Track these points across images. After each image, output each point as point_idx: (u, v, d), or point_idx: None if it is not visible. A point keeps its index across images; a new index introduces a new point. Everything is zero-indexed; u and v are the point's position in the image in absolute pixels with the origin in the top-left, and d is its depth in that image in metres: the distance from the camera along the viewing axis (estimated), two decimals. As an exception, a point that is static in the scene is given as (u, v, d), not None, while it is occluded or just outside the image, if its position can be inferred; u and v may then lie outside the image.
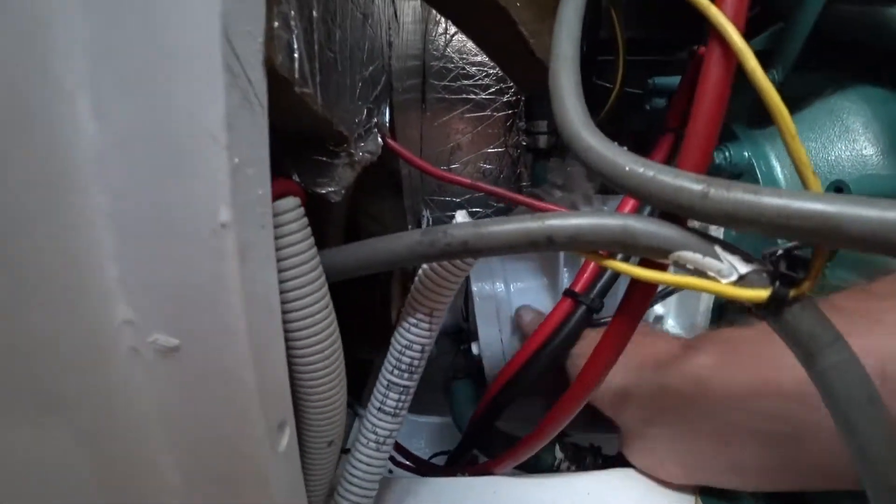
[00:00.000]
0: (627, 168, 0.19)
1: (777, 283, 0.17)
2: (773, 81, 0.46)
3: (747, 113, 0.47)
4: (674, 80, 0.54)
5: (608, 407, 0.36)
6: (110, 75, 0.14)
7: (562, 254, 0.49)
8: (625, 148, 0.21)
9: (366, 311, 0.50)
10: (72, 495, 0.20)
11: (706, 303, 0.43)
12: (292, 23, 0.17)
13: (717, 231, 0.34)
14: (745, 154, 0.47)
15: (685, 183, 0.18)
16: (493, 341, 0.51)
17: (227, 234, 0.15)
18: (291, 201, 0.20)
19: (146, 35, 0.13)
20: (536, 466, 0.40)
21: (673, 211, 0.19)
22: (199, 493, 0.21)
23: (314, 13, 0.19)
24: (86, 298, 0.17)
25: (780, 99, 0.18)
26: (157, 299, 0.17)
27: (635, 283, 0.22)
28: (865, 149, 0.44)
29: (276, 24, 0.16)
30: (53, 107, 0.14)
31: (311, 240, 0.21)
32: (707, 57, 0.21)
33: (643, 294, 0.22)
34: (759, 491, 0.31)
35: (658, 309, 0.48)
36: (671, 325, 0.48)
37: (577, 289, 0.39)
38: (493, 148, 0.72)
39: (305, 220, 0.20)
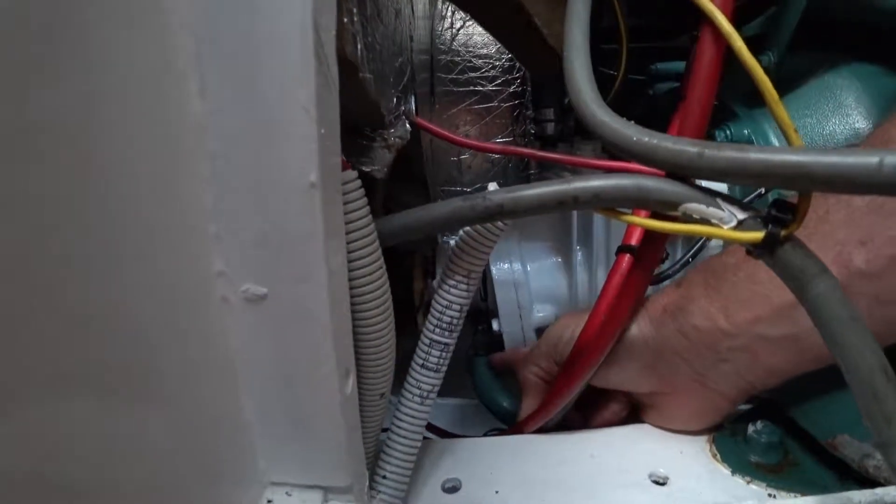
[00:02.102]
0: (635, 138, 0.23)
1: (770, 226, 0.20)
2: (769, 63, 0.50)
3: (746, 94, 0.50)
4: (675, 66, 0.57)
5: (626, 381, 0.38)
6: (216, 57, 0.17)
7: (574, 233, 0.52)
8: (632, 122, 0.24)
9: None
10: (158, 434, 0.23)
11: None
12: (356, 18, 0.20)
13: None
14: (745, 131, 0.50)
15: (684, 147, 0.21)
16: (512, 318, 0.54)
17: (315, 193, 0.18)
18: (352, 173, 0.23)
19: (248, 24, 0.17)
20: None
21: (675, 171, 0.23)
22: (275, 429, 0.24)
23: (368, 10, 0.22)
24: (184, 252, 0.20)
25: (762, 71, 0.21)
26: (249, 252, 0.20)
27: (648, 234, 0.25)
28: (858, 122, 0.47)
29: (345, 19, 0.19)
30: (168, 83, 0.17)
31: (368, 208, 0.24)
32: (700, 41, 0.25)
33: (657, 243, 0.25)
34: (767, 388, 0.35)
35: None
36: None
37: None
38: (502, 137, 0.75)
39: (363, 190, 0.24)
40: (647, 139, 0.22)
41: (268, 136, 0.18)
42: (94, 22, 0.15)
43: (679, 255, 0.44)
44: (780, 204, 0.20)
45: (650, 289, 0.40)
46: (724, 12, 0.24)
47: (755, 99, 0.49)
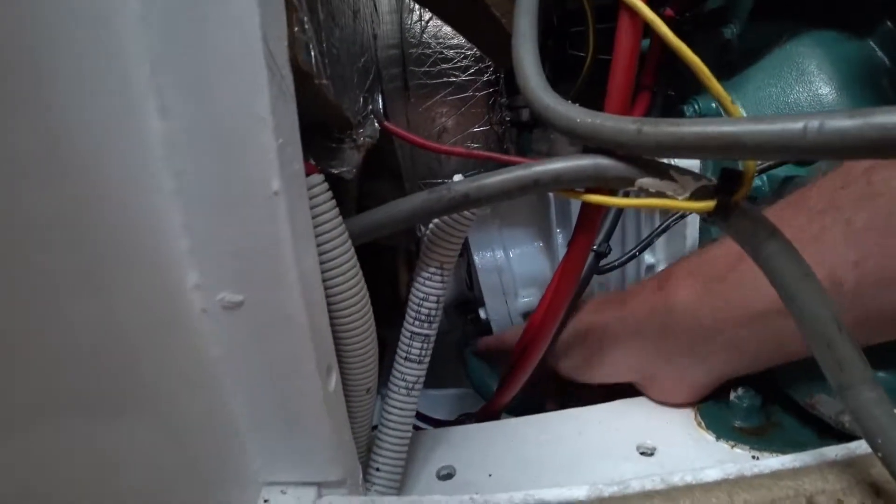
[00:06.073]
0: (578, 119, 0.24)
1: (720, 194, 0.21)
2: (731, 35, 0.50)
3: (712, 67, 0.51)
4: (643, 44, 0.57)
5: (617, 373, 0.40)
6: (172, 76, 0.18)
7: (553, 217, 0.53)
8: (577, 104, 0.25)
9: (375, 291, 0.54)
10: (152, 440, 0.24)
11: (691, 241, 0.47)
12: (307, 27, 0.20)
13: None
14: (713, 105, 0.51)
15: (623, 124, 0.22)
16: (498, 304, 0.55)
17: (279, 201, 0.18)
18: (318, 177, 0.23)
19: (200, 40, 0.17)
20: None
21: (619, 149, 0.24)
22: (266, 430, 0.25)
23: (320, 16, 0.22)
24: (161, 270, 0.20)
25: (691, 52, 0.22)
26: (222, 262, 0.20)
27: (585, 206, 0.27)
28: (821, 88, 0.48)
29: (296, 28, 0.19)
30: (127, 105, 0.18)
31: (337, 209, 0.24)
32: (618, 26, 0.26)
33: (593, 213, 0.27)
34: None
35: (648, 258, 0.52)
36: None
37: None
38: (479, 127, 0.76)
39: (330, 192, 0.24)
40: (590, 120, 0.23)
41: (229, 149, 0.18)
42: (51, 53, 0.16)
43: (655, 241, 0.45)
44: (727, 172, 0.21)
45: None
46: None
47: (721, 72, 0.50)
